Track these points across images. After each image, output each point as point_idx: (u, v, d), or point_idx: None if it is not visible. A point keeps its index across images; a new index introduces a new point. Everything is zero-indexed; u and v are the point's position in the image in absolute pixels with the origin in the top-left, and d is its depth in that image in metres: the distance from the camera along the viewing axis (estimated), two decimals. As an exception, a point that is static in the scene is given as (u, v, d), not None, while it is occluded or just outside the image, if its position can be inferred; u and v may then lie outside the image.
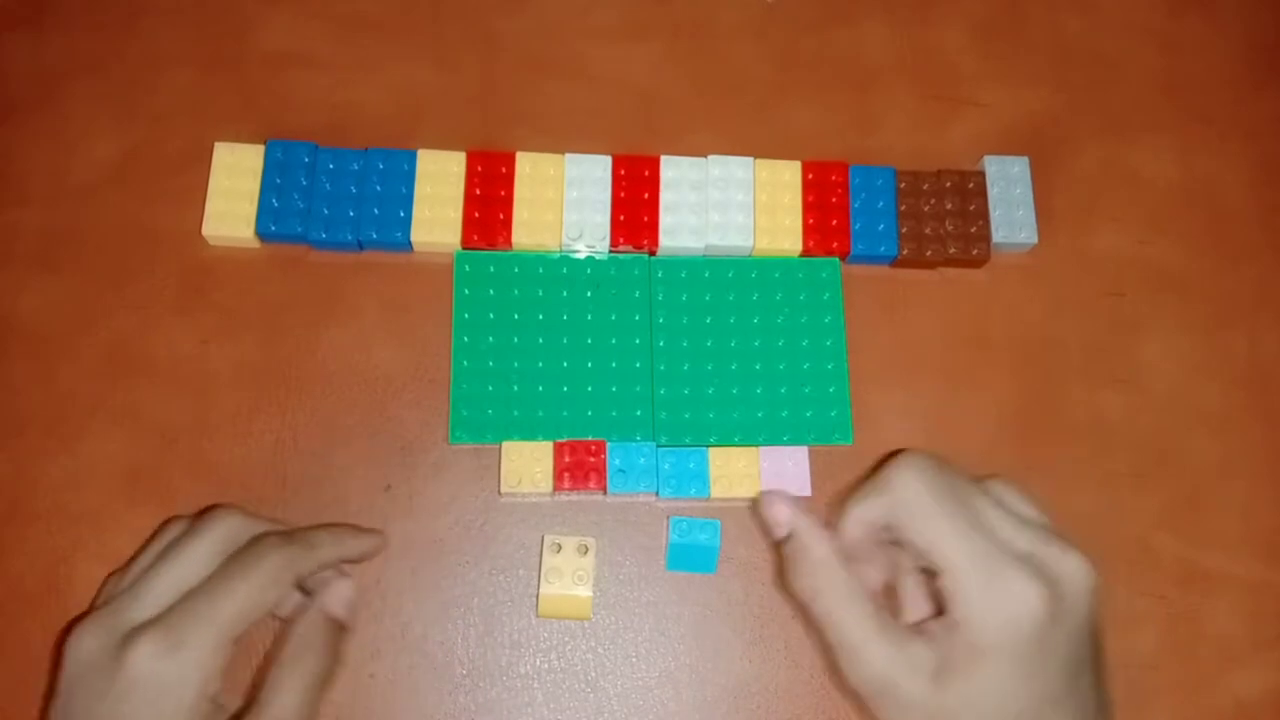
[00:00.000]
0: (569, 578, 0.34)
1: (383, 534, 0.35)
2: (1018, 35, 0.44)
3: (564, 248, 0.38)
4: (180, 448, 0.36)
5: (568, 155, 0.39)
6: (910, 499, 0.30)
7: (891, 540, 0.31)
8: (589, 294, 0.38)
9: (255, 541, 0.32)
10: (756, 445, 0.37)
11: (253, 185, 0.38)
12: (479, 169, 0.38)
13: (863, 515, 0.31)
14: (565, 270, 0.38)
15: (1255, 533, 0.38)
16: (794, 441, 0.37)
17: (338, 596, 0.33)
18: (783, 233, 0.39)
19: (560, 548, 0.35)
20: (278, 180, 0.38)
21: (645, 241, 0.38)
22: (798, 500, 0.31)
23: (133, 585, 0.31)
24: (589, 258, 0.39)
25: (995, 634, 0.29)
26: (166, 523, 0.33)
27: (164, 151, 0.39)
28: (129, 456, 0.36)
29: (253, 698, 0.31)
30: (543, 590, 0.35)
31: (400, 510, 0.36)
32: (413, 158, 0.38)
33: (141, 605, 0.31)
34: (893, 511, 0.30)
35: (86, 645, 0.30)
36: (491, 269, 0.38)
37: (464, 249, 0.38)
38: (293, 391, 0.37)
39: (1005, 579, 0.29)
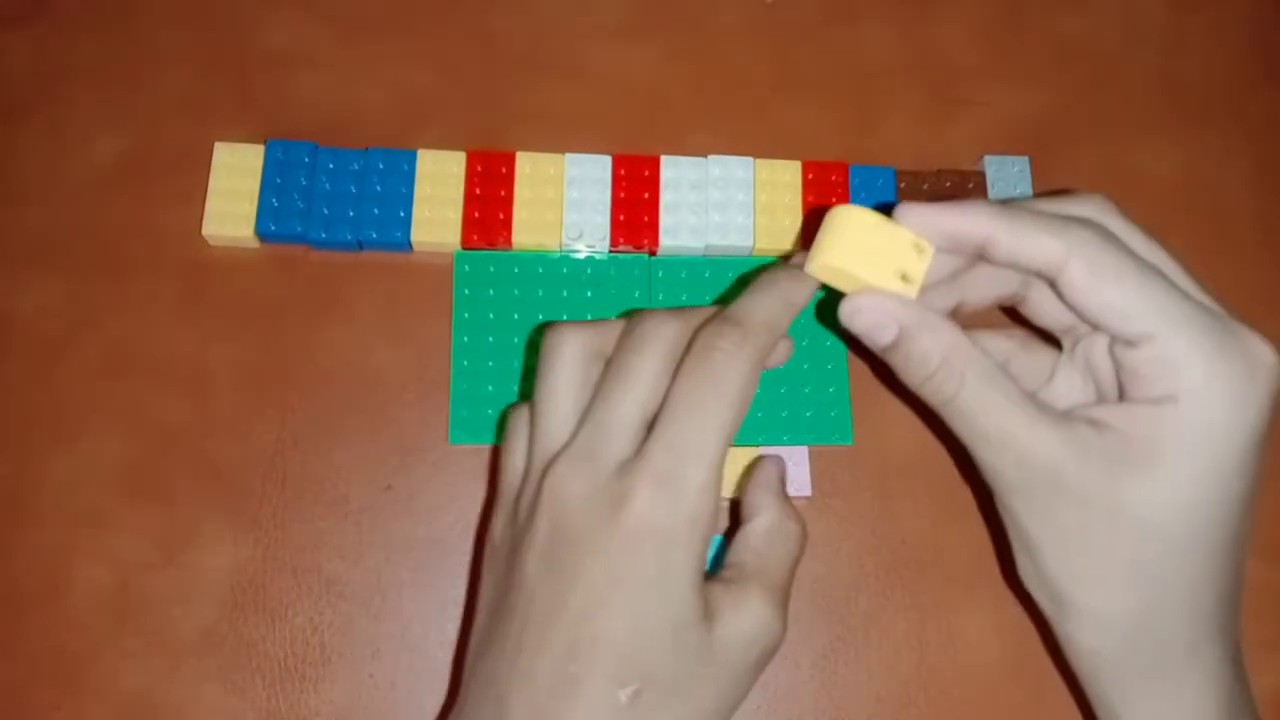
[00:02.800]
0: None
1: (816, 281, 0.28)
2: (1018, 35, 0.44)
3: (564, 248, 0.38)
4: (180, 447, 0.36)
5: (568, 155, 0.39)
6: (1096, 249, 0.25)
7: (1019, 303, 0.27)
8: (589, 294, 0.38)
9: (708, 342, 0.27)
10: (756, 445, 0.37)
11: (252, 185, 0.38)
12: (479, 169, 0.38)
13: (1028, 256, 0.25)
14: (565, 270, 0.38)
15: (1258, 533, 0.38)
16: (794, 442, 0.37)
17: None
18: (783, 233, 0.39)
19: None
20: (277, 180, 0.38)
21: (645, 241, 0.38)
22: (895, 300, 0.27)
23: (593, 418, 0.27)
24: (589, 258, 0.39)
25: (1228, 412, 0.24)
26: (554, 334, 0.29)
27: (163, 151, 0.39)
28: (128, 456, 0.36)
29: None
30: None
31: (400, 510, 0.36)
32: (413, 158, 0.38)
33: (617, 440, 0.27)
34: (1067, 262, 0.25)
35: (575, 490, 0.26)
36: (491, 269, 0.38)
37: (464, 249, 0.38)
38: (292, 391, 0.37)
39: (1242, 338, 0.24)
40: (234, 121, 0.40)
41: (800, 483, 0.36)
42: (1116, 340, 0.26)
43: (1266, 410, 0.24)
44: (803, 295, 0.29)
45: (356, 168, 0.38)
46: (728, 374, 0.26)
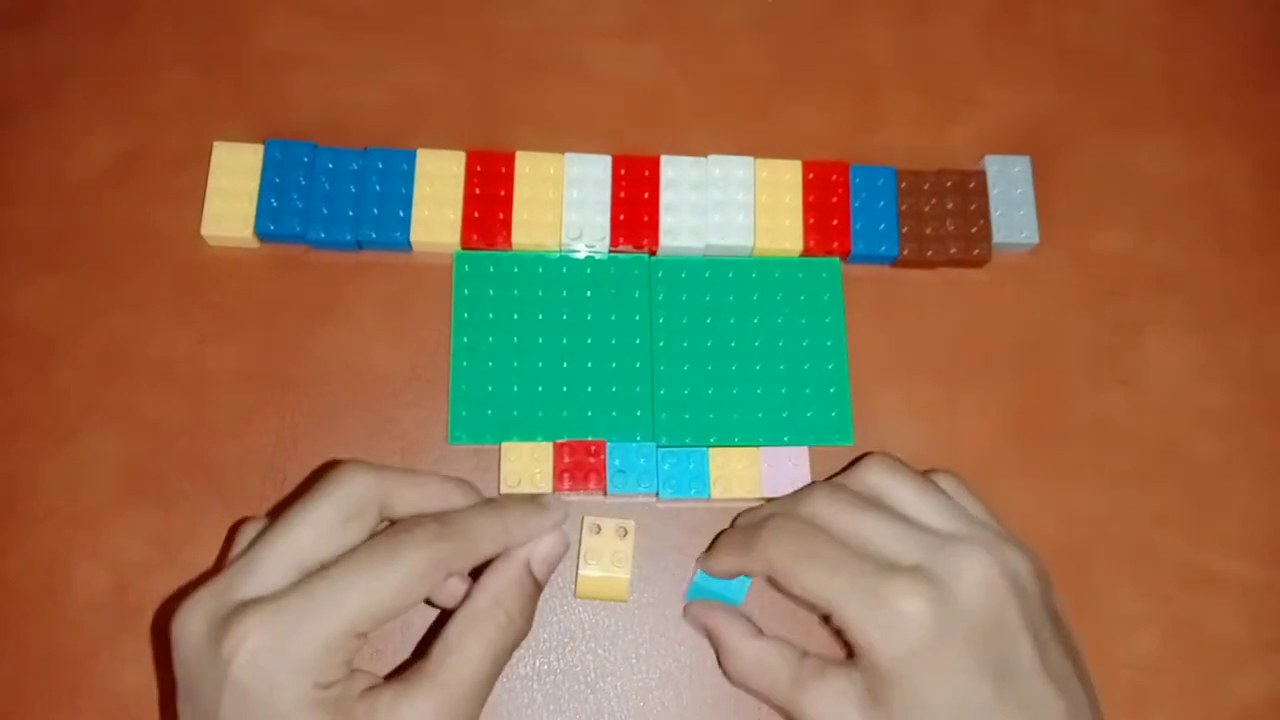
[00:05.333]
0: (608, 559, 0.34)
1: (564, 512, 0.31)
2: (1019, 34, 0.44)
3: (564, 248, 0.38)
4: (178, 448, 0.36)
5: (567, 155, 0.39)
6: (774, 557, 0.31)
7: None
8: (589, 294, 0.38)
9: (404, 528, 0.28)
10: (757, 446, 0.37)
11: (251, 185, 0.38)
12: (478, 169, 0.38)
13: (736, 571, 0.33)
14: (565, 270, 0.38)
15: (1259, 534, 0.38)
16: (794, 442, 0.37)
17: (544, 555, 0.30)
18: (783, 233, 0.39)
19: (600, 529, 0.35)
20: (276, 180, 0.38)
21: (645, 241, 0.38)
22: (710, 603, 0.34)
23: (245, 554, 0.27)
24: (589, 258, 0.38)
25: (892, 655, 0.28)
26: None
27: (162, 151, 0.39)
28: (126, 457, 0.36)
29: (421, 655, 0.28)
30: (582, 571, 0.34)
31: (399, 511, 0.36)
32: (412, 157, 0.38)
33: (253, 579, 0.27)
34: (769, 572, 0.31)
35: (192, 628, 0.26)
36: (491, 269, 0.38)
37: (463, 249, 0.38)
38: (291, 391, 0.37)
39: (883, 595, 0.28)
40: (233, 121, 0.40)
41: (801, 483, 0.36)
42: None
43: (924, 641, 0.28)
44: (527, 538, 0.30)
45: (356, 167, 0.38)
46: (402, 554, 0.27)
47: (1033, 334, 0.40)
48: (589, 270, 0.38)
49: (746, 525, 0.35)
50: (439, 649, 0.27)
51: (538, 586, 0.30)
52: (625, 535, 0.35)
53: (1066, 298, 0.40)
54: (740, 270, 0.39)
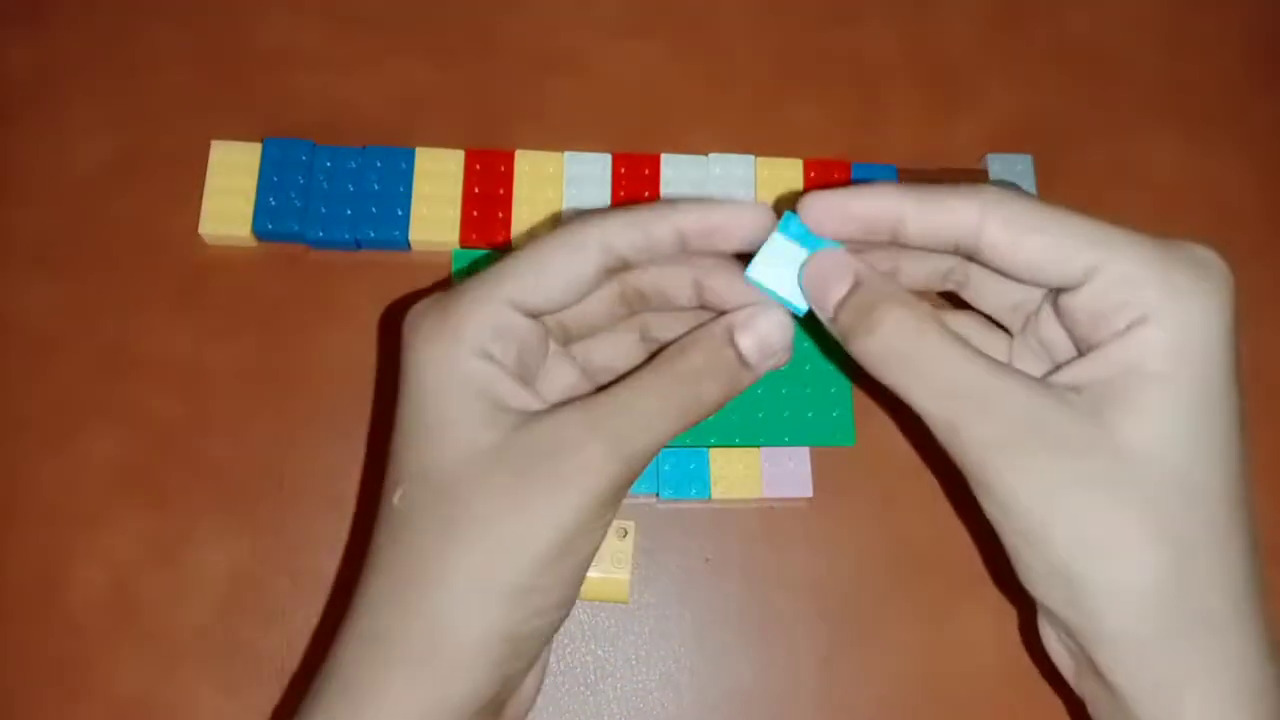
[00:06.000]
0: (608, 560, 0.34)
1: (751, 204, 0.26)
2: (1021, 32, 0.43)
3: (563, 247, 0.38)
4: (176, 448, 0.36)
5: (567, 153, 0.39)
6: (1009, 203, 0.23)
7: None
8: (589, 293, 0.38)
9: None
10: (757, 446, 0.36)
11: (249, 184, 0.38)
12: (477, 167, 0.38)
13: (943, 227, 0.24)
14: (565, 269, 0.38)
15: (1263, 536, 0.38)
16: (795, 442, 0.37)
17: (756, 326, 0.25)
18: (784, 232, 0.39)
19: None
20: (275, 179, 0.38)
21: (645, 240, 0.38)
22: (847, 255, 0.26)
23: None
24: (589, 257, 0.38)
25: (1201, 316, 0.23)
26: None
27: (160, 150, 0.39)
28: (124, 457, 0.36)
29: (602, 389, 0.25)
30: None
31: (398, 511, 0.36)
32: (411, 156, 0.38)
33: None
34: (983, 222, 0.23)
35: (405, 338, 0.25)
36: (490, 268, 0.38)
37: (462, 248, 0.38)
38: (290, 391, 0.37)
39: (1187, 251, 0.23)
40: (231, 120, 0.39)
41: (802, 483, 0.36)
42: (1062, 293, 0.24)
43: (1231, 313, 0.23)
44: (703, 223, 0.26)
45: (354, 166, 0.38)
46: (561, 230, 0.26)
47: (1035, 333, 0.39)
48: (589, 269, 0.38)
49: (923, 189, 0.25)
50: (623, 385, 0.25)
51: (743, 366, 0.25)
52: (625, 536, 0.35)
53: (1069, 297, 0.40)
54: (741, 269, 0.39)
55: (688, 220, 0.25)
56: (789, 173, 0.39)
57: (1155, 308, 0.23)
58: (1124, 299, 0.23)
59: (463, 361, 0.25)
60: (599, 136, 0.40)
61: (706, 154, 0.39)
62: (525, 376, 0.26)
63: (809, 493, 0.36)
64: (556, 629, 0.26)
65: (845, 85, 0.42)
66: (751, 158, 0.39)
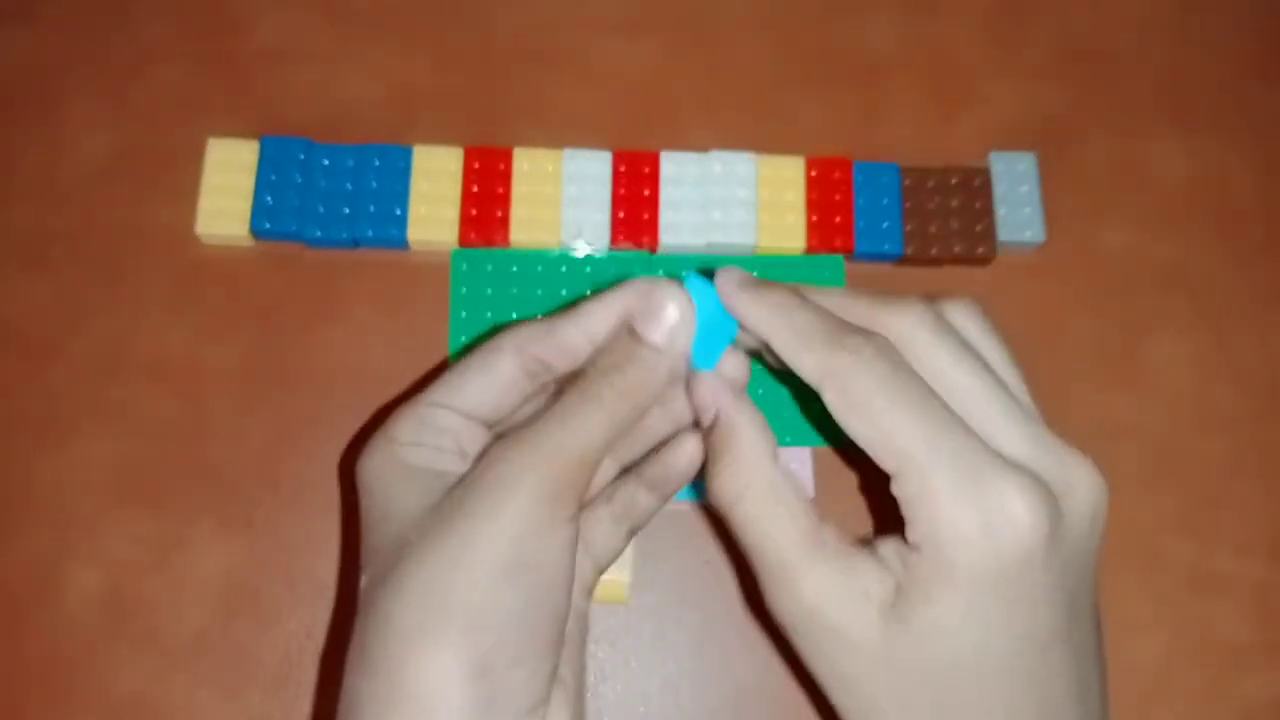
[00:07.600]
0: None
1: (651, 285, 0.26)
2: (1025, 30, 0.43)
3: (563, 246, 0.38)
4: (172, 448, 0.36)
5: (566, 151, 0.38)
6: (858, 383, 0.24)
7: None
8: (588, 293, 0.38)
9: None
10: (758, 446, 0.36)
11: (247, 182, 0.37)
12: (476, 165, 0.38)
13: (796, 369, 0.25)
14: (564, 269, 0.38)
15: (1267, 535, 0.38)
16: (796, 442, 0.36)
17: (648, 307, 0.26)
18: (785, 230, 0.38)
19: None
20: (272, 177, 0.37)
21: (646, 239, 0.38)
22: (735, 384, 0.27)
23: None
24: (588, 256, 0.38)
25: (971, 558, 0.22)
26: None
27: (156, 148, 0.39)
28: (120, 457, 0.35)
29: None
30: None
31: (396, 513, 0.36)
32: (409, 154, 0.38)
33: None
34: (821, 385, 0.24)
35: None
36: (489, 267, 0.38)
37: (461, 247, 0.38)
38: (287, 391, 0.36)
39: (994, 485, 0.22)
40: (227, 118, 0.39)
41: (804, 484, 0.36)
42: None
43: (1022, 559, 0.22)
44: (606, 322, 0.27)
45: (352, 164, 0.38)
46: (485, 347, 0.27)
47: (1038, 333, 0.39)
48: (588, 269, 0.38)
49: (809, 311, 0.26)
50: (556, 405, 0.25)
51: (654, 351, 0.25)
52: None
53: (1072, 296, 0.40)
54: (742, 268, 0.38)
55: (598, 327, 0.27)
56: (790, 170, 0.39)
57: (932, 536, 0.23)
58: (918, 513, 0.23)
59: (397, 453, 0.26)
60: (598, 134, 0.40)
61: (707, 151, 0.39)
62: (468, 456, 0.26)
63: (810, 493, 0.36)
64: (553, 670, 0.24)
65: (847, 82, 0.42)
66: (753, 155, 0.39)
